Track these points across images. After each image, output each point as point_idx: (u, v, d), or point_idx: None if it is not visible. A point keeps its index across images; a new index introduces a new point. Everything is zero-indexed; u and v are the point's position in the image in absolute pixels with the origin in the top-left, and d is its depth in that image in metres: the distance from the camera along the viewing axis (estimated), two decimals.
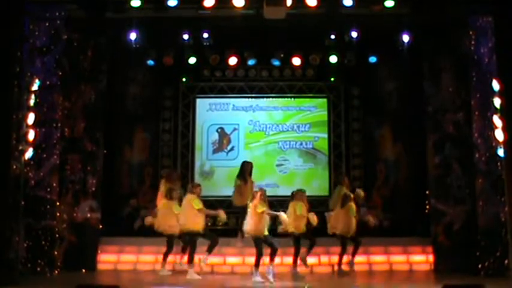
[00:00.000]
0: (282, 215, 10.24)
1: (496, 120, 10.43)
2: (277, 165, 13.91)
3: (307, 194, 11.13)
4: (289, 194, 11.26)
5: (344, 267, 11.06)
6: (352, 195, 11.21)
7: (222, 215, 10.50)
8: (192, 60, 13.35)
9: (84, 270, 11.25)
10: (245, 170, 11.71)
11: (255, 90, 14.08)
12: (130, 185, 13.43)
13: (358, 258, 11.35)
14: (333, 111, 14.00)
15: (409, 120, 13.18)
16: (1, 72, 9.74)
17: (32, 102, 10.40)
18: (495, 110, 10.47)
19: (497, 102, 10.40)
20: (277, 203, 11.52)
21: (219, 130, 14.06)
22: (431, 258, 11.83)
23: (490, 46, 10.73)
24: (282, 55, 13.42)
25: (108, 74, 12.30)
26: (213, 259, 11.15)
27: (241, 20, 11.37)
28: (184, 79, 13.95)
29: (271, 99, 14.15)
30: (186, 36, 12.49)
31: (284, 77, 14.00)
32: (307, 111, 14.11)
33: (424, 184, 12.32)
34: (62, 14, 10.99)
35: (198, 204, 10.34)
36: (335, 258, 11.24)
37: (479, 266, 10.61)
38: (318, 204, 12.01)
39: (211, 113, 14.11)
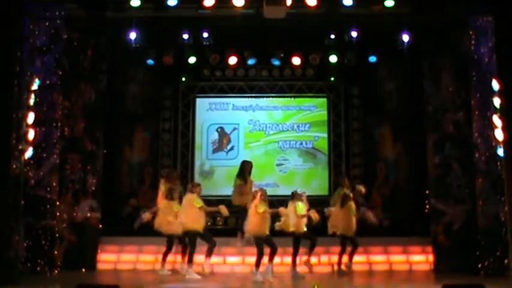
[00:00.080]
0: (282, 209, 10.29)
1: (496, 120, 10.43)
2: (277, 165, 13.91)
3: (307, 193, 11.15)
4: (289, 193, 11.26)
5: (343, 267, 11.07)
6: (351, 195, 11.21)
7: (223, 210, 10.48)
8: (192, 59, 13.36)
9: (84, 270, 11.26)
10: (245, 170, 11.71)
11: (255, 89, 14.09)
12: (130, 184, 13.44)
13: (358, 258, 11.36)
14: (332, 111, 14.01)
15: (409, 119, 13.19)
16: (1, 71, 9.74)
17: (32, 101, 10.41)
18: (495, 110, 10.47)
19: (497, 102, 10.41)
20: (277, 203, 11.47)
21: (219, 130, 14.06)
22: (431, 258, 11.83)
23: (490, 46, 10.73)
24: (282, 55, 13.42)
25: (108, 73, 12.31)
26: (213, 259, 11.13)
27: (241, 20, 11.36)
28: (184, 79, 13.95)
29: (271, 98, 14.15)
30: (186, 36, 12.50)
31: (284, 76, 14.00)
32: (307, 111, 14.12)
33: (424, 184, 12.32)
34: (62, 14, 11.00)
35: (199, 203, 10.34)
36: (335, 258, 11.25)
37: (479, 265, 10.62)
38: (317, 204, 11.98)
39: (211, 112, 14.11)
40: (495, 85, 10.43)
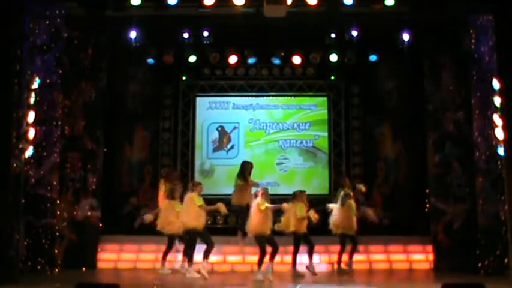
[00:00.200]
0: (285, 204, 10.36)
1: (496, 119, 10.43)
2: (278, 164, 13.91)
3: (307, 192, 11.15)
4: (289, 192, 11.28)
5: (343, 266, 11.07)
6: (351, 193, 11.21)
7: (222, 208, 10.47)
8: (192, 58, 13.35)
9: (84, 269, 11.26)
10: (245, 170, 11.69)
11: (255, 88, 14.08)
12: (131, 183, 13.44)
13: (358, 257, 11.36)
14: (333, 110, 14.00)
15: (409, 118, 13.19)
16: (1, 70, 9.73)
17: (32, 100, 10.41)
18: (495, 109, 10.47)
19: (497, 101, 10.40)
20: (278, 202, 11.48)
21: (219, 129, 14.05)
22: (431, 256, 11.84)
23: (491, 45, 10.72)
24: (282, 54, 13.41)
25: (108, 72, 12.31)
26: (213, 258, 11.14)
27: (241, 19, 11.36)
28: (184, 77, 13.95)
29: (271, 97, 14.15)
30: (186, 35, 12.51)
31: (284, 75, 13.99)
32: (307, 110, 14.11)
33: (424, 183, 12.33)
34: (62, 12, 10.99)
35: (199, 201, 10.33)
36: (335, 257, 11.25)
37: (479, 264, 10.63)
38: (317, 203, 11.98)
39: (212, 111, 14.11)
40: (495, 84, 10.42)
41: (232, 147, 14.00)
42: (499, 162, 10.53)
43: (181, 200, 10.66)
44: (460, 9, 10.95)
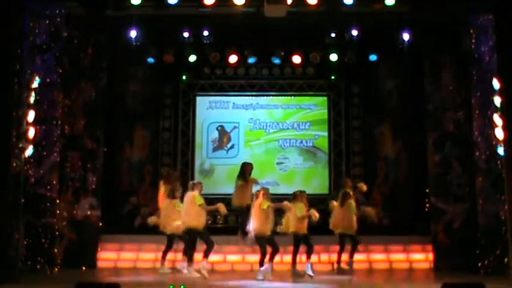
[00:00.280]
0: (286, 202, 10.37)
1: (496, 118, 10.42)
2: (278, 164, 13.90)
3: (307, 192, 11.12)
4: (289, 192, 11.27)
5: (343, 265, 11.07)
6: (351, 193, 11.21)
7: (222, 208, 10.47)
8: (192, 58, 13.35)
9: (84, 268, 11.28)
10: (245, 171, 11.68)
11: (255, 88, 14.08)
12: (131, 182, 13.45)
13: (358, 257, 11.35)
14: (333, 109, 13.99)
15: (409, 118, 13.20)
16: (1, 69, 9.73)
17: (32, 99, 10.41)
18: (495, 109, 10.46)
19: (497, 100, 10.39)
20: (278, 201, 11.48)
21: (219, 128, 14.05)
22: (431, 256, 11.85)
23: (491, 44, 10.71)
24: (282, 53, 13.41)
25: (108, 71, 12.32)
26: (213, 257, 11.15)
27: (241, 18, 11.36)
28: (184, 77, 13.94)
29: (271, 97, 14.15)
30: (186, 34, 12.51)
31: (284, 75, 13.99)
32: (307, 110, 14.11)
33: (424, 182, 12.34)
34: (62, 12, 11.00)
35: (200, 200, 10.31)
36: (335, 256, 11.25)
37: (479, 264, 10.63)
38: (317, 203, 11.98)
39: (212, 111, 14.10)
40: (495, 84, 10.41)
41: (232, 146, 13.99)
42: (499, 162, 10.52)
43: (182, 200, 10.65)
44: (460, 9, 10.95)
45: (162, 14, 11.30)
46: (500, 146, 10.35)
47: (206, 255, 10.26)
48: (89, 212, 11.74)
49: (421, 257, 11.95)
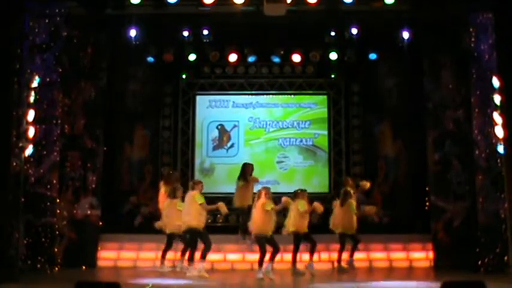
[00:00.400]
0: (285, 198, 10.36)
1: (496, 117, 10.42)
2: (277, 162, 13.91)
3: (308, 191, 11.11)
4: (289, 190, 11.27)
5: (344, 264, 11.08)
6: (352, 192, 11.21)
7: (222, 207, 10.48)
8: (192, 57, 13.35)
9: (84, 267, 11.28)
10: (246, 172, 11.69)
11: (255, 87, 14.08)
12: (131, 182, 13.46)
13: (358, 255, 11.36)
14: (333, 108, 14.00)
15: (409, 117, 13.20)
16: (1, 69, 9.73)
17: (32, 99, 10.41)
18: (495, 107, 10.46)
19: (497, 99, 10.39)
20: (278, 200, 11.48)
21: (219, 127, 14.05)
22: (431, 254, 11.84)
23: (490, 43, 10.71)
24: (282, 52, 13.41)
25: (108, 71, 12.31)
26: (213, 256, 11.16)
27: (241, 17, 11.36)
28: (184, 76, 13.94)
29: (271, 96, 14.15)
30: (186, 33, 12.52)
31: (284, 73, 13.99)
32: (307, 108, 14.11)
33: (424, 181, 12.34)
34: (62, 11, 11.00)
35: (201, 199, 10.31)
36: (335, 255, 11.25)
37: (479, 262, 10.63)
38: (317, 201, 11.96)
39: (211, 110, 14.11)
40: (495, 82, 10.42)
41: (232, 145, 14.00)
42: (498, 160, 10.53)
43: (183, 200, 10.64)
44: (460, 7, 10.94)
45: (161, 13, 11.28)
46: (500, 144, 10.36)
47: (203, 256, 10.24)
48: (89, 212, 11.74)
49: (421, 256, 11.96)
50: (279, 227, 10.46)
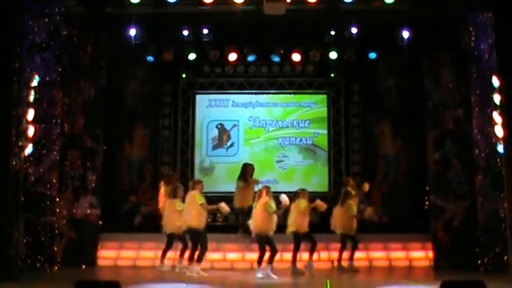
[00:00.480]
0: (283, 196, 10.36)
1: (496, 116, 10.43)
2: (277, 162, 13.91)
3: (307, 190, 11.14)
4: (289, 190, 11.28)
5: (344, 263, 11.08)
6: (352, 192, 11.21)
7: (223, 207, 10.47)
8: (192, 56, 13.34)
9: (84, 266, 11.28)
10: (246, 172, 11.69)
11: (254, 86, 14.08)
12: (130, 181, 13.45)
13: (358, 254, 11.36)
14: (332, 107, 13.99)
15: (408, 116, 13.20)
16: (1, 68, 9.72)
17: (31, 98, 10.41)
18: (495, 107, 10.47)
19: (497, 98, 10.40)
20: (277, 200, 11.48)
21: (219, 126, 14.04)
22: (430, 254, 11.85)
23: (490, 42, 10.71)
24: (281, 51, 13.40)
25: (108, 70, 12.31)
26: (213, 255, 11.16)
27: (241, 16, 11.36)
28: (184, 75, 13.93)
29: (271, 95, 14.15)
30: (185, 32, 12.51)
31: (284, 73, 13.99)
32: (307, 108, 14.11)
33: (424, 180, 12.34)
34: (62, 10, 10.98)
35: (201, 199, 10.31)
36: (334, 254, 11.27)
37: (479, 262, 10.63)
38: (316, 200, 11.96)
39: (211, 109, 14.10)
40: (495, 82, 10.42)
41: (231, 145, 13.99)
42: (498, 160, 10.53)
43: (184, 199, 10.62)
44: (460, 6, 10.94)
45: (161, 12, 11.28)
46: (500, 143, 10.37)
47: (200, 258, 10.23)
48: (88, 211, 11.74)
49: (421, 255, 11.96)
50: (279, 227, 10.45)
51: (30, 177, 10.61)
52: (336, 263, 11.20)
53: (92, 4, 10.76)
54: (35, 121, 10.41)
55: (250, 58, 13.50)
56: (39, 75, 10.71)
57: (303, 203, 10.54)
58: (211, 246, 10.84)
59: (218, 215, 12.75)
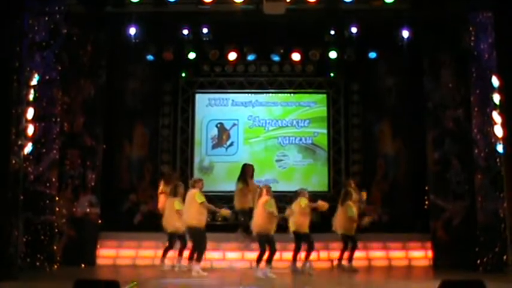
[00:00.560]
0: (288, 210, 10.42)
1: (496, 116, 10.43)
2: (277, 161, 13.91)
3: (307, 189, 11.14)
4: (288, 189, 11.29)
5: (344, 262, 11.08)
6: (352, 192, 11.20)
7: (224, 214, 10.49)
8: (192, 55, 13.35)
9: (83, 265, 11.28)
10: (246, 173, 11.68)
11: (254, 85, 14.08)
12: (130, 180, 13.45)
13: (357, 254, 11.33)
14: (332, 107, 14.00)
15: (408, 116, 13.20)
16: (0, 67, 9.72)
17: (31, 97, 10.40)
18: (494, 106, 10.47)
19: (496, 98, 10.40)
20: (278, 199, 11.48)
21: (219, 125, 14.05)
22: (430, 253, 11.85)
23: (490, 42, 10.71)
24: (281, 50, 13.40)
25: (108, 69, 12.30)
26: (213, 254, 11.16)
27: (241, 15, 11.36)
28: (183, 74, 13.94)
29: (270, 94, 14.15)
30: (185, 31, 12.51)
31: (284, 72, 14.00)
32: (306, 107, 14.11)
33: (424, 180, 12.34)
34: (62, 9, 10.97)
35: (201, 198, 10.29)
36: (334, 254, 11.26)
37: (478, 261, 10.63)
38: (317, 200, 11.96)
39: (211, 108, 14.10)
40: (495, 81, 10.42)
41: (231, 144, 14.00)
42: (498, 160, 10.52)
43: (184, 198, 10.61)
44: (460, 6, 10.94)
45: (161, 11, 11.29)
46: (500, 143, 10.37)
47: (198, 259, 10.23)
48: (88, 210, 11.73)
49: (420, 255, 11.96)
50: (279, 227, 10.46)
51: (29, 176, 10.59)
52: (335, 262, 11.18)
53: (91, 3, 10.77)
54: (34, 120, 10.40)
55: (250, 57, 13.51)
56: (39, 74, 10.70)
57: (303, 201, 10.54)
58: (211, 246, 10.84)
59: (218, 214, 12.74)
